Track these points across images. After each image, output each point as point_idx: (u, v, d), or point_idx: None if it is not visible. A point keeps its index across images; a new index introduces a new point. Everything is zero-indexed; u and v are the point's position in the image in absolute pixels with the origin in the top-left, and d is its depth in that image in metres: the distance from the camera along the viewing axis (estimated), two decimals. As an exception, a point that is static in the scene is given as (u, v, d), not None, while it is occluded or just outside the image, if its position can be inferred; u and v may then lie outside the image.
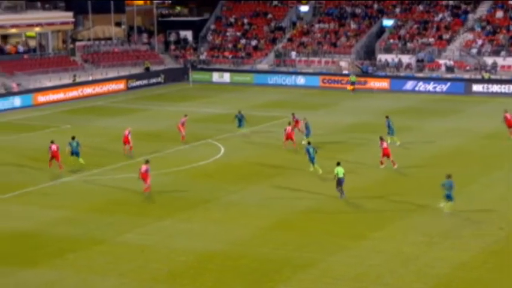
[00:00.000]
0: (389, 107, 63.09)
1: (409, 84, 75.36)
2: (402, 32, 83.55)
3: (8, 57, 77.67)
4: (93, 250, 30.91)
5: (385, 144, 43.27)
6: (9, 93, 69.53)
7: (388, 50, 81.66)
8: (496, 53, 77.43)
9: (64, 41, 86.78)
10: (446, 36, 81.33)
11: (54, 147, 43.59)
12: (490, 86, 72.88)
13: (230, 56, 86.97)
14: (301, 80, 79.79)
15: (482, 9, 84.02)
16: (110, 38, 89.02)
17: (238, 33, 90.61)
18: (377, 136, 45.20)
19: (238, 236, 32.37)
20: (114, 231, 33.26)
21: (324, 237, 32.12)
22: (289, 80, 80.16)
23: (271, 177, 42.02)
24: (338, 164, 37.68)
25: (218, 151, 48.83)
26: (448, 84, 74.02)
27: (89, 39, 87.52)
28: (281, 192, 39.19)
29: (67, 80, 75.63)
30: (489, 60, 76.44)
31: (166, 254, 30.30)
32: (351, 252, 30.22)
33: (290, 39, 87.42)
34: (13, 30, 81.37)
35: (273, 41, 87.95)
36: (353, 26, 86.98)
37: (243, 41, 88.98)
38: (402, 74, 78.46)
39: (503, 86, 72.57)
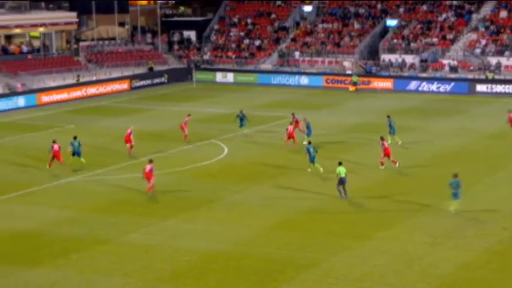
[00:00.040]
0: (392, 107, 63.06)
1: (413, 84, 75.32)
2: (406, 32, 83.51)
3: (12, 57, 77.76)
4: (97, 250, 30.94)
5: (385, 144, 43.26)
6: (13, 93, 69.61)
7: (391, 50, 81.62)
8: (500, 53, 77.36)
9: (68, 41, 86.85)
10: (450, 36, 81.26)
11: (56, 147, 43.66)
12: (494, 86, 72.82)
13: (234, 56, 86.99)
14: (304, 80, 79.79)
15: (486, 9, 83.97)
16: (113, 38, 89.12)
17: (242, 33, 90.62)
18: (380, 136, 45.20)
19: (241, 236, 32.38)
20: (118, 231, 33.28)
21: (327, 237, 32.12)
22: (292, 80, 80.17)
23: (274, 177, 42.03)
24: (340, 163, 37.66)
25: (221, 151, 48.84)
26: (452, 84, 73.96)
27: (92, 40, 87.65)
28: (284, 192, 39.20)
29: (71, 80, 75.72)
30: (493, 60, 76.36)
31: (170, 254, 30.33)
32: (354, 253, 30.21)
33: (293, 39, 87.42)
34: (17, 31, 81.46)
35: (277, 41, 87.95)
36: (356, 26, 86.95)
37: (246, 41, 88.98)
38: (406, 74, 78.43)
39: (507, 86, 72.48)
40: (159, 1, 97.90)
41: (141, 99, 72.74)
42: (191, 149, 49.77)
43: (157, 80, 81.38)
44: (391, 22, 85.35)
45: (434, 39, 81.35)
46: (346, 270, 28.42)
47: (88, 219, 35.03)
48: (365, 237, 31.96)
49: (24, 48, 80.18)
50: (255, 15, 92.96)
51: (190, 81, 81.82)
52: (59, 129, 56.89)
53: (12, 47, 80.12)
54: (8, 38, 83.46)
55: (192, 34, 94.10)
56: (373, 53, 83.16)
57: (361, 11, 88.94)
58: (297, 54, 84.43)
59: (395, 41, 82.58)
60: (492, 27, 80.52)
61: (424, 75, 77.13)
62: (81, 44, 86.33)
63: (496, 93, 72.14)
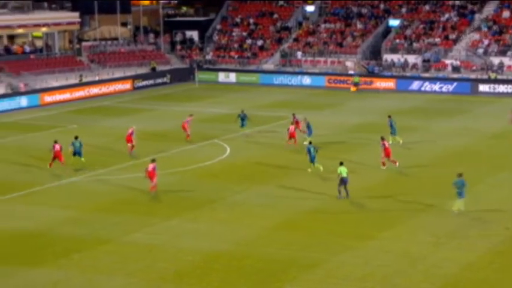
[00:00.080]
0: (395, 107, 63.02)
1: (415, 84, 75.26)
2: (408, 32, 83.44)
3: (15, 57, 77.81)
4: (99, 250, 30.93)
5: (386, 144, 43.21)
6: (15, 93, 69.65)
7: (394, 50, 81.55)
8: (502, 53, 77.27)
9: (70, 41, 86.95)
10: (452, 36, 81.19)
11: (57, 146, 43.68)
12: (496, 86, 72.75)
13: (236, 56, 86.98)
14: (307, 80, 79.74)
15: (489, 9, 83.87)
16: (116, 38, 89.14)
17: (244, 33, 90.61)
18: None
19: (243, 236, 32.37)
20: (120, 230, 33.27)
21: (329, 237, 32.09)
22: (295, 80, 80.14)
23: (276, 178, 42.01)
24: (341, 163, 37.63)
25: (224, 151, 48.84)
26: (454, 84, 73.90)
27: (95, 40, 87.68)
28: (286, 192, 39.18)
29: (73, 80, 75.75)
30: (495, 60, 76.28)
31: (174, 254, 30.32)
32: (357, 253, 30.18)
33: (296, 39, 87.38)
34: (20, 31, 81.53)
35: (279, 41, 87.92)
36: (359, 26, 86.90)
37: (249, 41, 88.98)
38: (408, 74, 78.36)
39: (509, 86, 72.38)
40: (161, 1, 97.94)
41: (144, 99, 72.76)
42: (193, 149, 49.77)
43: (159, 80, 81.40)
44: (394, 22, 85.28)
45: (437, 39, 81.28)
46: (348, 270, 28.39)
47: (90, 219, 35.03)
48: (367, 237, 31.92)
49: (27, 48, 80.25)
50: (257, 15, 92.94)
51: (193, 81, 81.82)
52: (62, 129, 56.90)
53: (14, 47, 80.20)
54: (11, 38, 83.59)
55: (194, 34, 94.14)
56: (375, 53, 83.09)
57: (364, 11, 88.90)
58: (299, 54, 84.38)
59: (397, 41, 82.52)
60: (495, 27, 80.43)
61: (426, 75, 77.08)
62: (84, 44, 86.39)
63: (499, 93, 72.06)
